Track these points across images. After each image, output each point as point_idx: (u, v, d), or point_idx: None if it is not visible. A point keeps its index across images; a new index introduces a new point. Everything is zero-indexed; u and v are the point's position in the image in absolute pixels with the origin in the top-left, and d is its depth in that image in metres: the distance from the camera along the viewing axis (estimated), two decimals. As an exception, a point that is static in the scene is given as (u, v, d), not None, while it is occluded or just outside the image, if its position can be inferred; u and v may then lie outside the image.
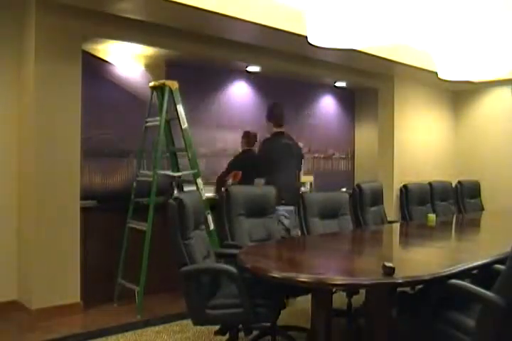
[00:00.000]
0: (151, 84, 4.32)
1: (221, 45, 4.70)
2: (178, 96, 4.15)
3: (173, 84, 4.13)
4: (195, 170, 4.19)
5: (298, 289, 2.70)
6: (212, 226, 4.12)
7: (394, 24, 2.71)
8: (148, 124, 4.26)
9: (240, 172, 4.89)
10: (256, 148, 4.85)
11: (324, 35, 2.81)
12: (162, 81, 4.21)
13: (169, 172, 4.32)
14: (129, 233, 4.14)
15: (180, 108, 4.15)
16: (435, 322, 2.37)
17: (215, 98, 5.61)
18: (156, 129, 4.12)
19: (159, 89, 4.23)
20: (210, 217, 4.12)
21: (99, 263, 4.09)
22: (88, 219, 4.00)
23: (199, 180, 4.18)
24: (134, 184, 4.22)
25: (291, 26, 4.14)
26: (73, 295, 3.81)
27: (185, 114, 4.18)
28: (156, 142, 4.08)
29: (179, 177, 4.37)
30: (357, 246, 3.46)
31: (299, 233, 3.65)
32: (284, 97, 6.24)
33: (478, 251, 3.12)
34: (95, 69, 4.54)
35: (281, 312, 2.86)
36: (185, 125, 4.16)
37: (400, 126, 6.54)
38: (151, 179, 4.01)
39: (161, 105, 4.11)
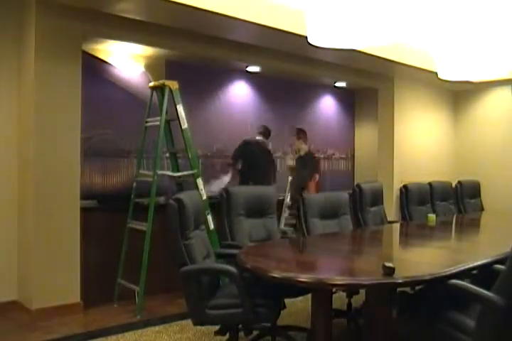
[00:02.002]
0: (151, 84, 4.32)
1: (221, 45, 4.70)
2: (178, 97, 4.14)
3: (173, 85, 4.12)
4: (195, 170, 4.18)
5: (298, 289, 2.70)
6: (212, 226, 4.11)
7: (394, 24, 2.71)
8: (148, 124, 4.26)
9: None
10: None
11: (324, 35, 2.81)
12: (162, 81, 4.20)
13: (169, 173, 4.33)
14: (129, 233, 4.14)
15: (180, 108, 4.14)
16: (435, 322, 2.37)
17: (215, 98, 5.61)
18: (155, 129, 4.11)
19: (159, 89, 4.23)
20: (209, 217, 4.11)
21: (99, 263, 4.08)
22: (88, 219, 4.00)
23: (199, 180, 4.17)
24: (134, 184, 4.22)
25: (291, 26, 4.14)
26: (73, 295, 3.80)
27: (185, 114, 4.18)
28: (156, 142, 4.08)
29: (179, 177, 4.37)
30: (357, 246, 3.46)
31: None
32: (284, 97, 6.25)
33: (478, 251, 3.13)
34: (95, 69, 4.53)
35: (281, 312, 2.86)
36: (185, 125, 4.15)
37: (400, 126, 6.54)
38: (150, 179, 4.00)
39: (161, 105, 4.11)
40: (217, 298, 2.62)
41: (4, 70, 3.93)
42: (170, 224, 2.59)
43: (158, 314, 3.85)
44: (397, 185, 6.24)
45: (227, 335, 2.82)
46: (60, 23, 3.76)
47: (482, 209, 6.57)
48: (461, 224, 4.79)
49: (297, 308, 3.79)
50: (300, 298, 3.09)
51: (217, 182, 5.36)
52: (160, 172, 4.08)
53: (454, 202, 6.21)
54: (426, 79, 6.38)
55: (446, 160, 7.28)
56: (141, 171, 4.25)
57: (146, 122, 4.27)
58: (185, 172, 4.28)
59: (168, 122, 4.27)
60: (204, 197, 4.08)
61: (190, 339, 3.35)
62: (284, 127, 6.29)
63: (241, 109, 5.84)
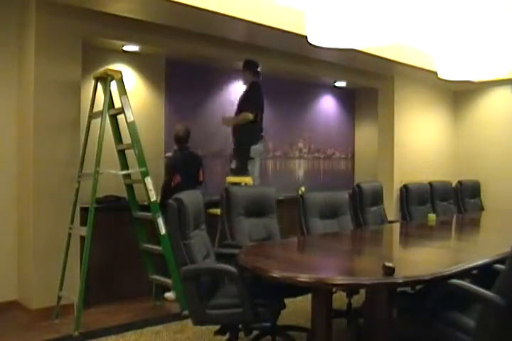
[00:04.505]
0: (95, 74, 3.97)
1: (221, 45, 4.70)
2: (123, 87, 3.77)
3: (117, 74, 3.75)
4: (143, 169, 3.78)
5: (298, 289, 2.70)
6: (163, 231, 3.82)
7: (394, 24, 2.72)
8: (91, 118, 3.88)
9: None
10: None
11: (324, 35, 2.81)
12: (105, 69, 3.89)
13: (112, 171, 3.84)
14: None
15: (125, 100, 3.75)
16: (435, 322, 2.37)
17: (214, 98, 5.61)
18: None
19: (103, 80, 3.85)
20: (160, 220, 3.83)
21: (100, 263, 4.08)
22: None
23: (147, 179, 3.79)
24: (76, 185, 3.78)
25: (291, 26, 4.14)
26: (73, 295, 3.79)
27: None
28: (100, 137, 3.66)
29: (128, 177, 4.04)
30: (357, 246, 3.45)
31: None
32: (283, 97, 6.25)
33: (478, 251, 3.12)
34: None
35: (281, 312, 2.86)
36: (131, 119, 3.76)
37: (400, 126, 6.54)
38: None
39: (105, 96, 3.78)
40: (217, 298, 2.62)
41: (4, 70, 3.94)
42: (170, 224, 2.59)
43: (158, 314, 3.85)
44: (397, 185, 6.24)
45: (227, 335, 2.82)
46: (60, 22, 3.77)
47: (482, 209, 6.58)
48: (461, 223, 4.79)
49: (297, 308, 3.79)
50: (300, 298, 3.09)
51: None
52: (105, 170, 3.65)
53: (454, 202, 6.22)
54: (426, 79, 6.38)
55: (446, 160, 7.28)
56: (84, 171, 3.79)
57: (90, 116, 3.87)
58: (131, 171, 3.93)
59: (114, 116, 3.94)
60: (153, 199, 3.80)
61: (190, 339, 3.35)
62: (284, 127, 6.30)
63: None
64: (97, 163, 3.60)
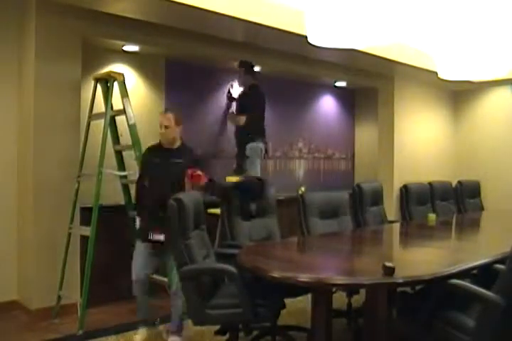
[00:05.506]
0: (95, 75, 3.99)
1: (221, 45, 4.70)
2: (124, 89, 3.80)
3: (120, 76, 3.79)
4: None
5: (298, 289, 2.70)
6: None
7: (394, 24, 2.72)
8: (92, 120, 3.88)
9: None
10: None
11: (324, 35, 2.81)
12: (107, 71, 3.89)
13: (115, 172, 3.95)
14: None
15: (126, 102, 3.79)
16: (435, 322, 2.37)
17: (214, 98, 5.60)
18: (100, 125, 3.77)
19: (103, 81, 3.87)
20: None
21: (100, 262, 4.07)
22: (88, 219, 3.99)
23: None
24: (76, 185, 3.79)
25: (291, 26, 4.14)
26: (73, 295, 3.80)
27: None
28: (103, 139, 3.67)
29: (125, 177, 4.01)
30: (357, 246, 3.45)
31: None
32: (283, 97, 6.25)
33: (478, 251, 3.12)
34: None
35: (281, 312, 2.86)
36: (132, 121, 3.78)
37: (400, 126, 6.54)
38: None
39: (106, 98, 3.78)
40: (217, 298, 2.62)
41: (4, 70, 3.94)
42: (170, 224, 2.59)
43: (158, 314, 3.85)
44: (397, 185, 6.24)
45: (227, 335, 2.83)
46: (60, 22, 3.77)
47: (482, 209, 6.58)
48: (461, 223, 4.79)
49: (297, 308, 3.79)
50: (300, 298, 3.09)
51: None
52: (106, 171, 3.68)
53: (454, 202, 6.22)
54: (426, 79, 6.38)
55: (446, 160, 7.28)
56: (83, 171, 3.82)
57: (90, 117, 3.88)
58: (131, 172, 3.91)
59: (113, 117, 3.92)
60: None
61: (190, 339, 3.35)
62: (284, 127, 6.29)
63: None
64: (101, 164, 3.62)
